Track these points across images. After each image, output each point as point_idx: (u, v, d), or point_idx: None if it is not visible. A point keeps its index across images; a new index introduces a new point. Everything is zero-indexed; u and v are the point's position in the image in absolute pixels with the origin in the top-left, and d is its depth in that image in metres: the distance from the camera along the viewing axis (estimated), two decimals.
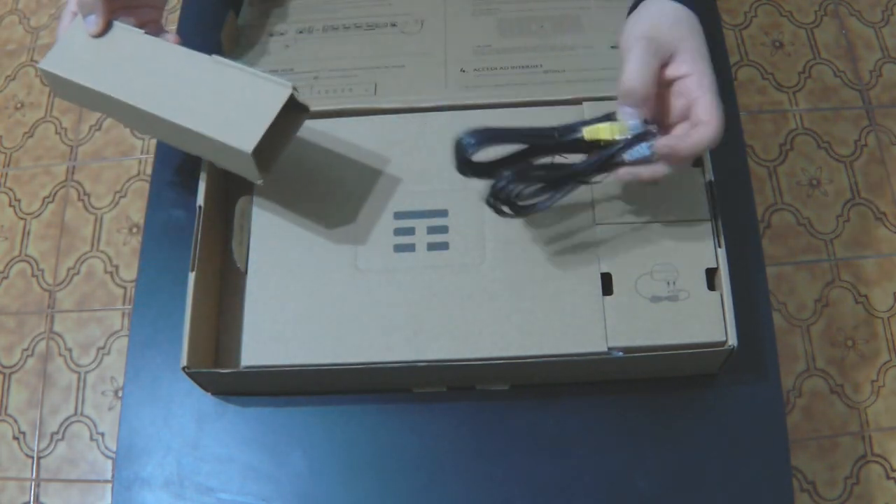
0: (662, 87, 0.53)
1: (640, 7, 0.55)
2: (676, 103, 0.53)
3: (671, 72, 0.53)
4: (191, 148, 0.59)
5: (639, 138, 0.52)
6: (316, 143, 0.64)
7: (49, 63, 0.60)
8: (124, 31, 0.60)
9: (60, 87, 0.61)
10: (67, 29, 0.61)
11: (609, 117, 0.54)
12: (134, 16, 0.63)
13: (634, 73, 0.51)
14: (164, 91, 0.57)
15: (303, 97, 0.57)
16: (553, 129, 0.54)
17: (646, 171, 0.53)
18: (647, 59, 0.51)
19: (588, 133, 0.53)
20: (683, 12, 0.53)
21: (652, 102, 0.52)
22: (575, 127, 0.54)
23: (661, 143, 0.52)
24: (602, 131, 0.53)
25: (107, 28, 0.60)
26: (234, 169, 0.58)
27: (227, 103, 0.56)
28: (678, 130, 0.53)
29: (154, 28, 0.63)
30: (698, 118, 0.51)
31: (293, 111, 0.57)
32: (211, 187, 0.62)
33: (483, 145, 0.52)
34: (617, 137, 0.52)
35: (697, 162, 0.61)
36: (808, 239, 1.22)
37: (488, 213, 0.60)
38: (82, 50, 0.59)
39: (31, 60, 1.47)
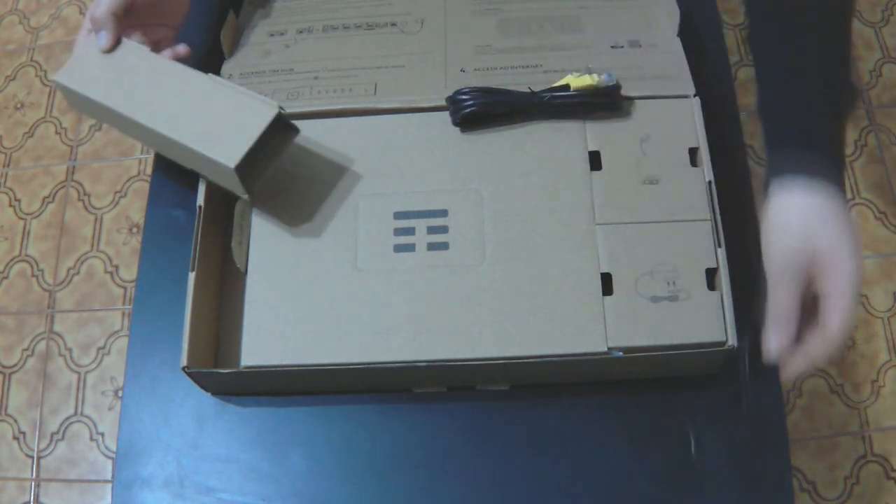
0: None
1: (787, 198, 0.50)
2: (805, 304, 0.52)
3: (816, 287, 0.51)
4: (185, 162, 0.62)
5: None
6: (316, 143, 0.64)
7: (62, 76, 0.63)
8: (132, 49, 0.63)
9: (72, 99, 0.65)
10: (81, 44, 0.64)
11: (589, 70, 0.62)
12: (149, 34, 0.66)
13: (788, 310, 0.50)
14: (161, 106, 0.61)
15: (296, 107, 0.57)
16: (535, 92, 0.62)
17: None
18: (798, 292, 0.50)
19: (574, 82, 0.61)
20: (839, 219, 0.49)
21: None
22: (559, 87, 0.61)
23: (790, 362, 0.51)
24: (586, 80, 0.61)
25: (116, 44, 0.63)
26: (223, 184, 0.61)
27: (217, 120, 0.59)
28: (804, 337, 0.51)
29: (167, 45, 0.67)
30: (824, 330, 0.50)
31: (283, 131, 0.60)
32: (211, 187, 0.62)
33: (476, 100, 0.61)
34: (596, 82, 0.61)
35: (697, 162, 0.61)
36: None
37: (488, 213, 0.60)
38: (93, 65, 0.63)
39: (31, 60, 1.48)
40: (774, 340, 0.50)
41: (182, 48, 0.66)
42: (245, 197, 0.60)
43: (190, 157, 0.60)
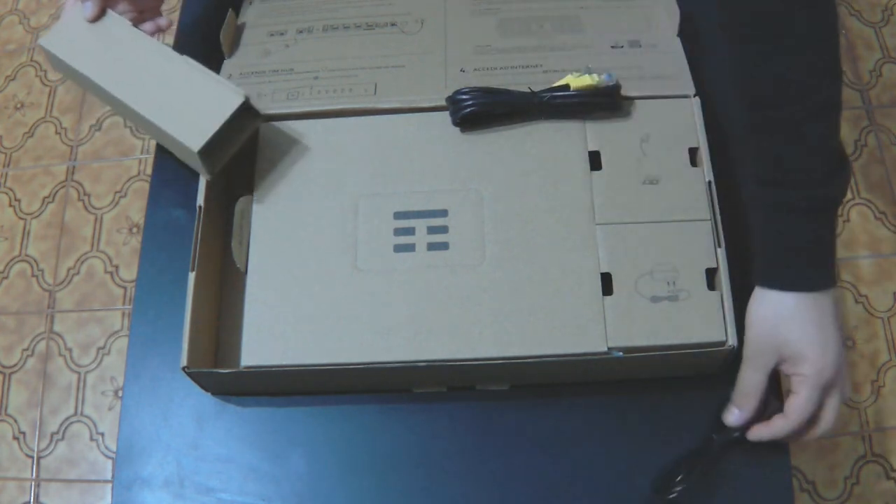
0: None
1: (768, 294, 0.54)
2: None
3: (784, 369, 0.55)
4: (154, 136, 0.65)
5: None
6: (316, 143, 0.64)
7: (47, 41, 0.65)
8: (116, 21, 0.65)
9: (55, 63, 0.66)
10: (68, 11, 0.66)
11: (589, 70, 0.62)
12: (133, 3, 0.67)
13: (752, 387, 0.55)
14: (136, 82, 0.63)
15: (296, 107, 0.57)
16: (535, 92, 0.62)
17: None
18: (764, 374, 0.55)
19: (574, 81, 0.61)
20: (813, 315, 0.53)
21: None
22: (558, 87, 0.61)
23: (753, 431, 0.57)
24: (586, 80, 0.61)
25: (101, 14, 0.65)
26: (189, 162, 0.63)
27: (187, 102, 0.61)
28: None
29: (152, 15, 0.69)
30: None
31: (248, 117, 0.62)
32: (211, 187, 0.62)
33: (476, 100, 0.61)
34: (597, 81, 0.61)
35: (697, 162, 0.61)
36: None
37: (488, 213, 0.60)
38: (77, 33, 0.65)
39: (31, 60, 1.48)
40: (736, 414, 0.56)
41: (163, 20, 0.68)
42: (208, 177, 0.62)
43: (158, 133, 0.62)
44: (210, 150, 0.59)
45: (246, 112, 0.61)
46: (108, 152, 1.38)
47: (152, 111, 0.61)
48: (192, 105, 0.61)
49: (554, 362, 0.56)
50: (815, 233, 0.53)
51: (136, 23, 0.66)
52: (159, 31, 0.68)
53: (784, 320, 0.53)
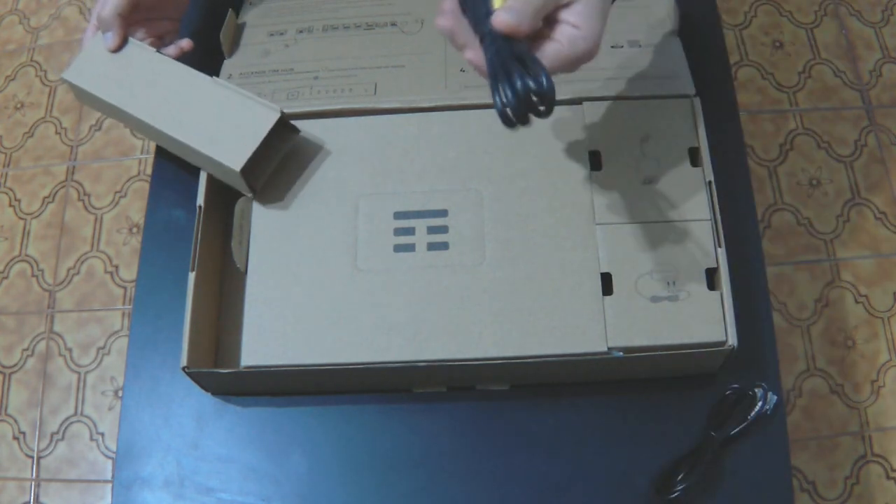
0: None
1: None
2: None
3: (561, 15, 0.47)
4: (190, 159, 0.64)
5: None
6: (316, 143, 0.64)
7: (71, 74, 0.66)
8: (138, 49, 0.65)
9: (80, 95, 0.67)
10: (89, 42, 0.66)
11: None
12: (152, 28, 0.68)
13: None
14: (168, 107, 0.63)
15: (296, 107, 0.57)
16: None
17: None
18: None
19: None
20: None
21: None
22: None
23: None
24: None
25: (123, 44, 0.65)
26: (227, 181, 0.62)
27: (222, 123, 0.61)
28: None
29: (171, 38, 0.69)
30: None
31: (283, 131, 0.62)
32: (211, 187, 0.62)
33: None
34: None
35: (697, 162, 0.61)
36: (808, 239, 1.22)
37: (488, 213, 0.60)
38: (100, 63, 0.65)
39: (31, 60, 1.47)
40: (510, 12, 0.45)
41: (186, 42, 0.68)
42: (249, 195, 0.62)
43: (195, 156, 0.62)
44: (250, 169, 0.60)
45: (282, 127, 0.61)
46: (108, 152, 1.38)
47: (188, 135, 0.61)
48: (228, 125, 0.61)
49: (554, 362, 0.56)
50: None
51: (158, 47, 0.66)
52: (182, 53, 0.67)
53: None
